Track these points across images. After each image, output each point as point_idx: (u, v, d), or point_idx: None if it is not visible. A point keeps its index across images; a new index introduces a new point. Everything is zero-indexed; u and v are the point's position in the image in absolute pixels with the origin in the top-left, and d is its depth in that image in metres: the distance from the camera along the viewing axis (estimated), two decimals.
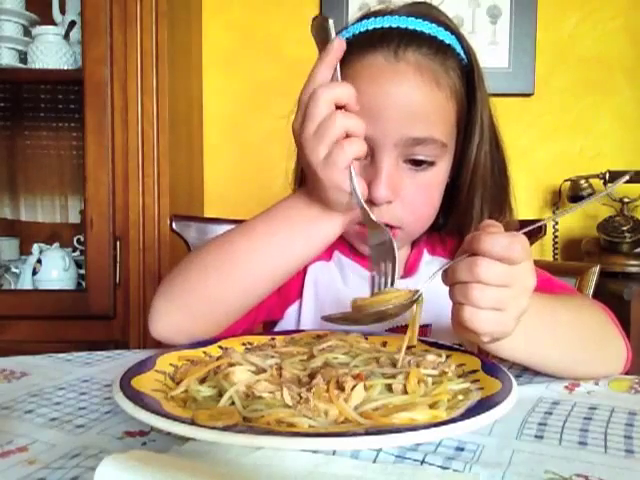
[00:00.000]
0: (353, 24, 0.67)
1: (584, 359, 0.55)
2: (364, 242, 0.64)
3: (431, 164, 0.64)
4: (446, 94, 0.63)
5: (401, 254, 0.72)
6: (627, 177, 0.53)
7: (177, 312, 0.59)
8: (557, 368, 0.54)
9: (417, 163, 0.63)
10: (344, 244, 0.73)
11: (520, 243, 0.43)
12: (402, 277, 0.72)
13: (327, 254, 0.72)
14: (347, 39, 0.65)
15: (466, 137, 0.67)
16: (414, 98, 0.61)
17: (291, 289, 0.72)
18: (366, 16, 0.67)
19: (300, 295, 0.72)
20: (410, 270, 0.73)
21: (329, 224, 0.57)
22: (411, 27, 0.63)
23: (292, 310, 0.73)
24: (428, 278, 0.48)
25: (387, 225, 0.61)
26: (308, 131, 0.51)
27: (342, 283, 0.72)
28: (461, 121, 0.66)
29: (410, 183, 0.63)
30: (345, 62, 0.62)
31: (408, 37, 0.62)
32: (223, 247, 0.59)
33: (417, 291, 0.48)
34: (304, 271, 0.72)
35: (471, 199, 0.68)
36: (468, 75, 0.66)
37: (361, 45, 0.63)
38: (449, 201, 0.70)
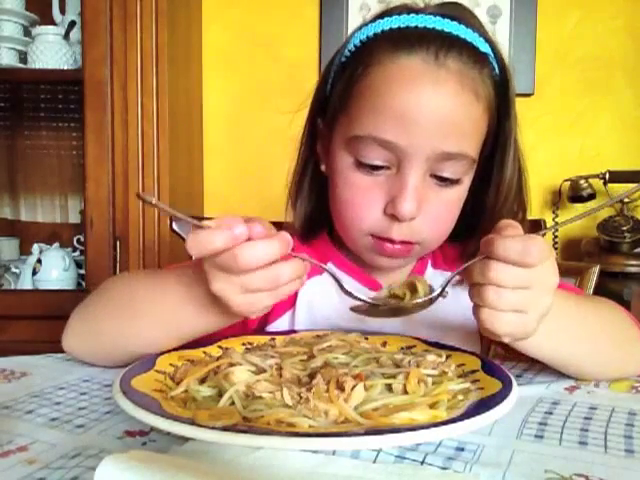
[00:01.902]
0: (375, 21, 0.62)
1: (613, 357, 0.55)
2: (379, 253, 0.62)
3: (456, 181, 0.60)
4: (484, 106, 0.59)
5: (407, 268, 0.69)
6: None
7: (85, 335, 0.57)
8: (585, 366, 0.54)
9: (443, 179, 0.59)
10: (340, 255, 0.70)
11: (536, 245, 0.42)
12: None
13: (318, 269, 0.67)
14: (374, 34, 0.61)
15: (497, 153, 0.63)
16: (453, 110, 0.56)
17: (280, 308, 0.67)
18: (389, 12, 0.61)
19: (292, 312, 0.68)
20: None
21: (226, 319, 0.50)
22: (453, 31, 0.58)
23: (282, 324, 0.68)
24: (447, 279, 0.49)
25: (404, 242, 0.60)
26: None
27: (337, 297, 0.64)
28: (490, 135, 0.62)
29: (434, 198, 0.59)
30: (374, 61, 0.58)
31: (449, 42, 0.57)
32: (130, 300, 0.54)
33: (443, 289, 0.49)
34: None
35: (497, 217, 0.61)
36: (500, 87, 0.61)
37: (395, 43, 0.58)
38: (468, 213, 0.66)
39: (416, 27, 0.58)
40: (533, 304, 0.44)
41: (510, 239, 0.43)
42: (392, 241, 0.60)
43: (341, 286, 0.50)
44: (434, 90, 0.56)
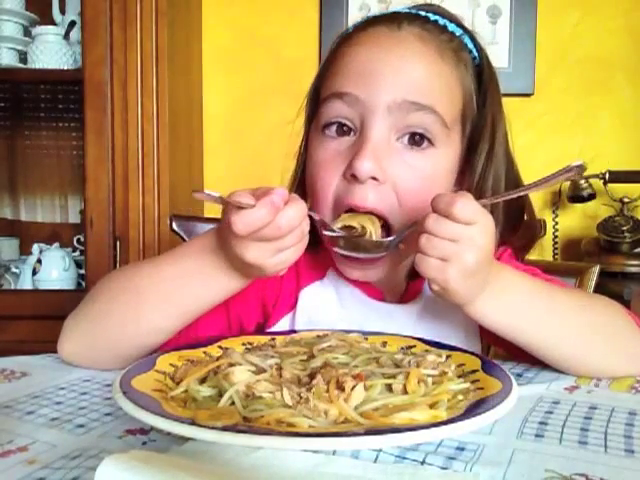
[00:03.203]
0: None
1: (594, 352, 0.54)
2: (349, 266, 0.61)
3: (430, 144, 0.57)
4: (451, 72, 0.59)
5: (402, 271, 0.67)
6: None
7: (82, 339, 0.56)
8: (559, 354, 0.54)
9: (413, 141, 0.57)
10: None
11: (462, 201, 0.47)
12: (402, 301, 0.67)
13: (320, 273, 0.67)
14: (348, 31, 0.64)
15: (473, 143, 0.62)
16: (414, 62, 0.57)
17: (279, 312, 0.67)
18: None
19: (291, 317, 0.67)
20: (413, 293, 0.66)
21: (242, 280, 0.53)
22: (421, 13, 0.62)
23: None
24: (405, 228, 0.55)
25: (372, 213, 0.57)
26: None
27: (338, 304, 0.66)
28: (467, 118, 0.61)
29: (402, 165, 0.57)
30: (345, 37, 0.62)
31: (413, 17, 0.61)
32: (131, 283, 0.55)
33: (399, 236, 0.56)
34: (296, 291, 0.67)
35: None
36: (480, 77, 0.62)
37: (366, 22, 0.62)
38: None
39: (387, 13, 0.63)
40: (456, 256, 0.48)
41: (443, 194, 0.49)
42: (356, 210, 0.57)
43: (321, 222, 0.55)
44: (393, 44, 0.58)
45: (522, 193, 0.54)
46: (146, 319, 0.53)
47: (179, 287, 0.53)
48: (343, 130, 0.59)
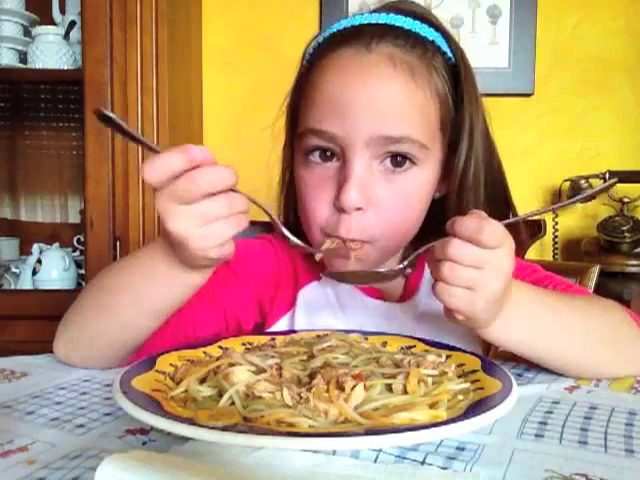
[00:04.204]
0: (323, 31, 0.64)
1: (596, 357, 0.55)
2: (331, 265, 0.61)
3: (412, 163, 0.58)
4: (424, 91, 0.57)
5: (391, 265, 0.66)
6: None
7: (72, 340, 0.57)
8: (564, 363, 0.54)
9: (395, 163, 0.57)
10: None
11: (489, 226, 0.44)
12: (400, 300, 0.67)
13: (318, 273, 0.65)
14: (318, 44, 0.63)
15: (453, 144, 0.62)
16: (386, 91, 0.56)
17: (277, 312, 0.67)
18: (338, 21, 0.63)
19: (290, 317, 0.67)
20: (411, 290, 0.67)
21: (198, 273, 0.51)
22: (387, 22, 0.59)
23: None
24: (414, 255, 0.52)
25: (353, 241, 0.57)
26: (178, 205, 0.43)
27: (336, 304, 0.66)
28: (446, 125, 0.61)
29: (386, 189, 0.57)
30: (315, 63, 0.61)
31: (382, 31, 0.58)
32: (107, 281, 0.56)
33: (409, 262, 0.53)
34: (294, 291, 0.67)
35: (460, 212, 0.64)
36: (457, 76, 0.61)
37: (332, 42, 0.60)
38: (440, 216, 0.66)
39: (352, 26, 0.60)
40: (482, 284, 0.46)
41: (467, 218, 0.46)
42: (343, 240, 0.58)
43: (288, 238, 0.52)
44: (364, 74, 0.56)
45: (544, 212, 0.53)
46: (120, 317, 0.54)
47: (144, 286, 0.52)
48: (326, 155, 0.59)
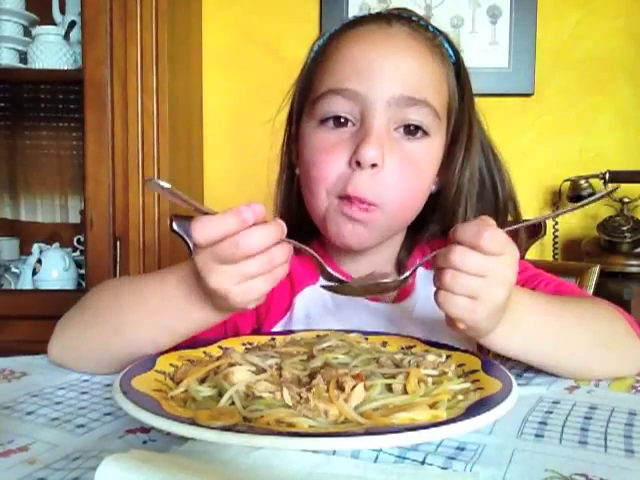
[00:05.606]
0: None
1: (595, 361, 0.55)
2: (340, 214, 0.60)
3: (425, 134, 0.61)
4: (440, 68, 0.62)
5: (390, 253, 0.69)
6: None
7: (69, 345, 0.56)
8: (565, 369, 0.54)
9: (408, 130, 0.60)
10: (332, 261, 0.68)
11: (490, 232, 0.44)
12: (396, 300, 0.67)
13: (313, 277, 0.66)
14: (330, 33, 0.66)
15: (454, 137, 0.65)
16: (407, 58, 0.60)
17: (274, 317, 0.67)
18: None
19: (287, 321, 0.67)
20: (406, 290, 0.67)
21: (216, 314, 0.49)
22: (402, 14, 0.65)
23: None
24: (416, 265, 0.52)
25: (363, 202, 0.58)
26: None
27: (333, 307, 0.66)
28: (452, 113, 0.65)
29: (400, 152, 0.59)
30: (334, 37, 0.64)
31: (399, 15, 0.64)
32: (115, 301, 0.54)
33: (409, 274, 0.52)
34: (290, 296, 0.67)
35: (457, 205, 0.65)
36: (457, 76, 0.65)
37: (349, 25, 0.64)
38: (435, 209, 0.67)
39: (366, 14, 0.65)
40: (485, 292, 0.45)
41: (468, 224, 0.46)
42: (352, 201, 0.58)
43: (323, 268, 0.51)
44: (387, 40, 0.61)
45: (544, 219, 0.53)
46: (125, 338, 0.52)
47: (154, 315, 0.51)
48: (340, 122, 0.60)
